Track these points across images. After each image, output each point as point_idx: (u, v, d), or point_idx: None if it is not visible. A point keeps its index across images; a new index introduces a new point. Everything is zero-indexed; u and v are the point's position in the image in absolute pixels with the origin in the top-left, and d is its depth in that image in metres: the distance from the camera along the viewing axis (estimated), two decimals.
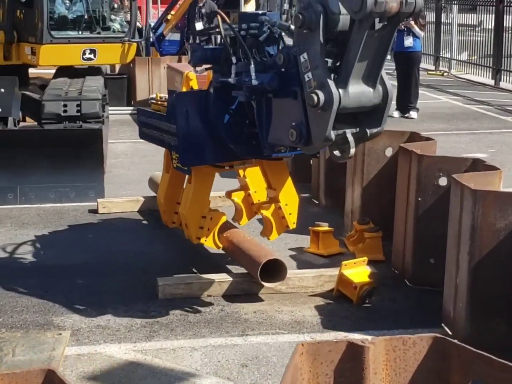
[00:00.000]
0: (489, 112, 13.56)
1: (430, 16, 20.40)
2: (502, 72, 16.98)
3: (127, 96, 13.88)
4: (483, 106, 14.16)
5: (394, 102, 12.84)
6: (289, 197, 5.68)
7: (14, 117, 8.78)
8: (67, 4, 9.89)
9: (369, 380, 2.38)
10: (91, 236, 6.83)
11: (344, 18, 3.95)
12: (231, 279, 5.46)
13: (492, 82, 17.15)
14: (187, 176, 5.64)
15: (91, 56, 9.58)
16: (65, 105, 8.52)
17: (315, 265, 5.98)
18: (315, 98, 3.94)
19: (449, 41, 19.91)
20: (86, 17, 9.86)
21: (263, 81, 4.47)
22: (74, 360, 4.49)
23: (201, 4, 13.39)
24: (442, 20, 20.11)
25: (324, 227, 6.27)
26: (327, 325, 4.96)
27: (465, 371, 2.33)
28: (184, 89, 6.03)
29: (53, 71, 10.50)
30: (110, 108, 12.33)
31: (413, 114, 12.77)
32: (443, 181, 5.31)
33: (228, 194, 5.92)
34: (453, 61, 19.74)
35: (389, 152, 6.32)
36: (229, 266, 5.84)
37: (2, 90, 8.90)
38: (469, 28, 20.63)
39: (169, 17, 14.81)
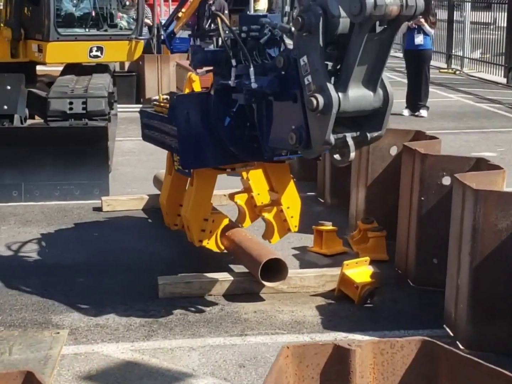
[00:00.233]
0: (500, 110, 13.46)
1: (443, 14, 20.30)
2: None
3: (136, 94, 13.86)
4: (494, 105, 14.05)
5: (403, 101, 12.79)
6: (291, 200, 5.64)
7: (20, 115, 8.77)
8: (74, 1, 9.89)
9: None
10: (94, 235, 6.81)
11: (344, 21, 3.90)
12: (232, 278, 5.42)
13: (504, 81, 17.02)
14: (189, 179, 5.60)
15: (98, 53, 9.57)
16: (70, 103, 8.51)
17: (318, 264, 5.93)
18: (315, 101, 3.90)
19: (462, 39, 19.77)
20: (93, 14, 9.84)
21: (263, 85, 4.43)
22: (71, 360, 4.47)
23: (211, 2, 13.35)
24: (455, 18, 19.97)
25: (328, 226, 6.23)
26: (327, 326, 4.91)
27: (453, 375, 2.28)
28: (187, 91, 5.99)
29: (61, 68, 10.49)
30: (119, 105, 12.34)
31: (423, 112, 12.68)
32: (446, 181, 5.24)
33: (231, 196, 5.89)
34: (465, 59, 19.61)
35: (394, 150, 6.25)
36: (231, 266, 5.80)
37: (8, 87, 8.89)
38: (483, 26, 20.49)
39: (180, 14, 14.75)
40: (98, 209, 7.43)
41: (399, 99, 12.82)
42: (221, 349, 4.60)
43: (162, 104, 5.74)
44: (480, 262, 4.42)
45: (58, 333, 4.76)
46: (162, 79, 13.66)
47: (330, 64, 4.07)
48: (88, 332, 4.83)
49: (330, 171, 7.43)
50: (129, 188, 8.21)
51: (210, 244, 5.56)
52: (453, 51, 20.09)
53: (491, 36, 19.16)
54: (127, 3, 11.14)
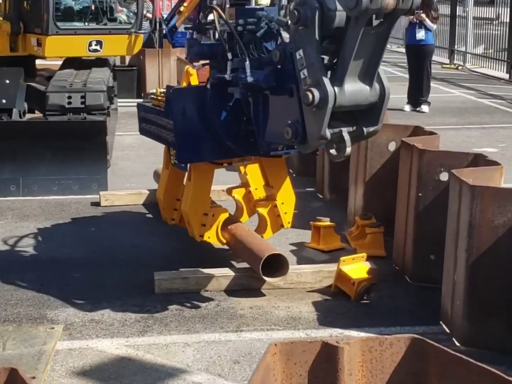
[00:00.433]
0: (501, 106, 13.41)
1: (446, 9, 20.22)
2: None
3: (137, 88, 13.83)
4: (496, 100, 14.00)
5: (405, 96, 12.74)
6: (286, 196, 5.62)
7: (19, 109, 8.74)
8: None
9: (344, 382, 2.31)
10: (91, 229, 6.79)
11: (341, 15, 3.87)
12: (228, 274, 5.40)
13: (506, 76, 16.96)
14: (186, 173, 5.58)
15: (97, 47, 9.53)
16: (69, 97, 8.47)
17: (315, 260, 5.90)
18: (310, 96, 3.87)
19: (464, 35, 19.71)
20: (92, 8, 9.80)
21: (259, 79, 4.40)
22: (65, 355, 4.45)
23: None
24: (458, 13, 19.90)
25: (326, 222, 6.19)
26: (323, 322, 4.89)
27: (442, 373, 2.25)
28: (184, 84, 5.96)
29: (61, 62, 10.46)
30: (119, 100, 12.31)
31: (424, 108, 12.63)
32: (444, 176, 5.21)
33: (229, 191, 5.86)
34: (468, 54, 19.55)
35: (392, 146, 6.22)
36: (229, 261, 5.77)
37: (7, 81, 8.86)
38: (486, 22, 20.42)
39: (181, 8, 14.72)
40: (96, 204, 7.41)
41: (400, 95, 12.80)
42: (216, 345, 4.58)
43: (159, 98, 5.70)
44: (477, 259, 4.39)
45: (53, 328, 4.74)
46: (163, 74, 13.62)
47: (326, 58, 4.04)
48: (83, 328, 4.81)
49: (329, 167, 7.40)
50: (128, 183, 8.18)
51: (211, 238, 5.54)
52: (456, 46, 20.03)
53: (494, 32, 19.09)
54: None
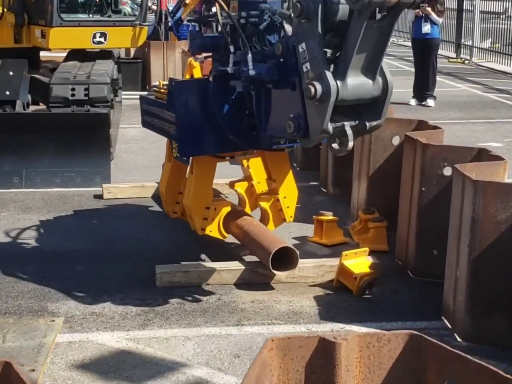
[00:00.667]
0: (507, 101, 13.34)
1: (452, 3, 20.14)
2: None
3: (142, 81, 13.80)
4: (502, 95, 13.94)
5: (411, 90, 12.70)
6: (289, 190, 5.59)
7: (22, 101, 8.72)
8: None
9: (341, 377, 2.29)
10: (94, 222, 6.77)
11: (344, 8, 3.84)
12: (230, 267, 5.38)
13: None
14: (189, 167, 5.56)
15: (102, 39, 9.50)
16: (73, 89, 8.46)
17: (318, 254, 5.88)
18: (313, 89, 3.84)
19: (471, 29, 19.62)
20: (97, 0, 9.76)
21: (261, 72, 4.37)
22: (65, 348, 4.43)
23: None
24: (465, 7, 19.82)
25: (328, 216, 6.17)
26: (324, 316, 4.87)
27: (440, 370, 2.23)
28: (187, 77, 5.93)
29: (66, 54, 10.44)
30: (124, 92, 12.29)
31: (430, 102, 12.58)
32: (447, 171, 5.17)
33: (232, 185, 5.84)
34: (474, 48, 19.47)
35: (396, 140, 6.19)
36: (231, 255, 5.75)
37: (11, 73, 8.84)
38: (493, 16, 20.33)
39: (187, 1, 14.69)
40: (99, 196, 7.40)
41: (406, 89, 12.76)
42: (216, 339, 4.56)
43: (162, 91, 5.68)
44: (479, 254, 4.36)
45: (53, 321, 4.73)
46: (168, 66, 13.60)
47: (329, 51, 4.00)
48: (83, 320, 4.80)
49: (332, 161, 7.37)
50: (131, 176, 8.17)
51: (213, 232, 5.51)
52: (462, 40, 19.95)
53: (502, 26, 19.01)
54: None
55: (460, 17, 19.84)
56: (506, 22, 18.90)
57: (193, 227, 5.57)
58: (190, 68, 5.92)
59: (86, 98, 8.43)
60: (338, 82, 3.86)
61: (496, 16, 20.19)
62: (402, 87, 12.68)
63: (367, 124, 4.11)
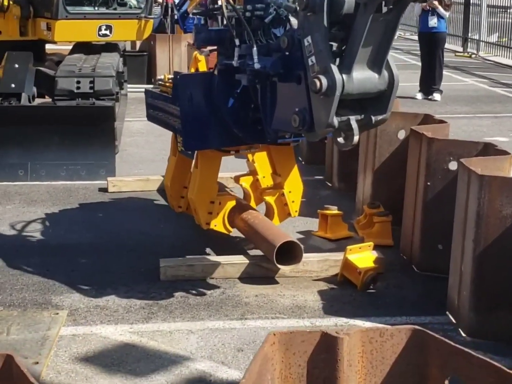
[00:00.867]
0: None
1: None
2: None
3: (148, 74, 13.78)
4: (509, 89, 13.89)
5: (417, 84, 12.65)
6: (294, 185, 5.57)
7: (28, 93, 8.71)
8: None
9: (344, 372, 2.28)
10: (99, 215, 6.77)
11: (350, 1, 3.81)
12: (234, 261, 5.37)
13: None
14: (193, 161, 5.54)
15: (107, 32, 9.47)
16: (78, 82, 8.44)
17: (322, 249, 5.86)
18: (318, 83, 3.81)
19: (478, 23, 19.55)
20: None
21: (266, 65, 4.34)
22: (69, 341, 4.43)
23: None
24: (472, 1, 19.74)
25: (333, 210, 6.15)
26: (328, 311, 4.86)
27: (443, 365, 2.22)
28: (192, 70, 5.91)
29: (71, 47, 10.42)
30: (129, 85, 12.28)
31: (436, 96, 12.54)
32: (453, 166, 5.15)
33: (237, 179, 5.83)
34: (481, 43, 19.40)
35: (401, 134, 6.16)
36: (236, 249, 5.74)
37: (16, 65, 8.83)
38: (500, 10, 20.26)
39: None
40: (104, 189, 7.40)
41: (413, 83, 12.72)
42: (220, 332, 4.56)
43: (167, 84, 5.66)
44: (484, 249, 4.34)
45: (57, 313, 4.73)
46: (174, 59, 13.57)
47: (335, 45, 3.97)
48: (87, 313, 4.80)
49: (338, 155, 7.35)
50: (135, 169, 8.16)
51: (218, 226, 5.50)
52: (469, 34, 19.89)
53: (508, 20, 18.93)
54: None
55: (467, 11, 19.76)
56: None
57: (197, 221, 5.56)
58: (195, 62, 5.90)
59: (92, 91, 8.41)
60: (344, 75, 3.84)
61: (503, 10, 20.11)
62: (408, 81, 12.64)
63: (373, 118, 4.09)
